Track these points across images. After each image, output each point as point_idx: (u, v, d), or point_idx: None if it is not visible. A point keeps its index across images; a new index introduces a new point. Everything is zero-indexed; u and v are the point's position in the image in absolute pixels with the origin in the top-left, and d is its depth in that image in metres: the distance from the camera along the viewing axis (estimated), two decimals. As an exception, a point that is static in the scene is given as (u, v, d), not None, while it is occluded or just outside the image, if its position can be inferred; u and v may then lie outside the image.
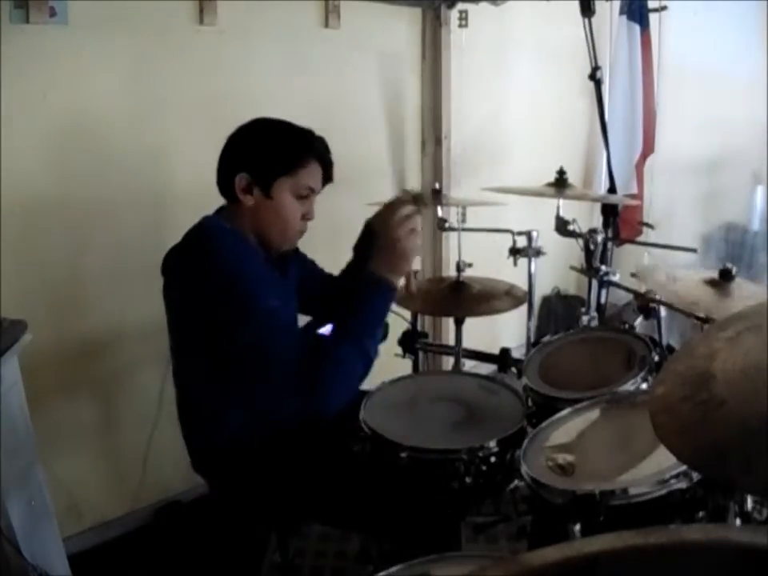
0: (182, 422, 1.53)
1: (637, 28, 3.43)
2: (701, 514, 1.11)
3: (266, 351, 1.29)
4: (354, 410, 1.52)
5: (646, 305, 1.76)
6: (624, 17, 3.43)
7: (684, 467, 1.06)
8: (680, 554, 0.45)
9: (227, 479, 1.52)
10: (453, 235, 2.22)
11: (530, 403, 1.55)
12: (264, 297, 1.33)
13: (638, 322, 1.85)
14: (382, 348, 2.19)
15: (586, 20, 1.93)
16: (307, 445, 1.52)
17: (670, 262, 2.48)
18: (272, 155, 1.43)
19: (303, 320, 1.75)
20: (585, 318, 2.12)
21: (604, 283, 2.12)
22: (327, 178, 1.52)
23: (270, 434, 1.46)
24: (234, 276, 1.32)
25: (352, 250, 1.72)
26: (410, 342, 2.25)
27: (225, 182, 1.45)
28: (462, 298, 2.02)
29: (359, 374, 1.34)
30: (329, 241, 2.77)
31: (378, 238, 1.41)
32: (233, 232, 1.44)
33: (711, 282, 1.52)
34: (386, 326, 2.21)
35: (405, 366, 2.27)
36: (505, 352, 2.17)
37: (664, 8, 3.51)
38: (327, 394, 1.30)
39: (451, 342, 2.28)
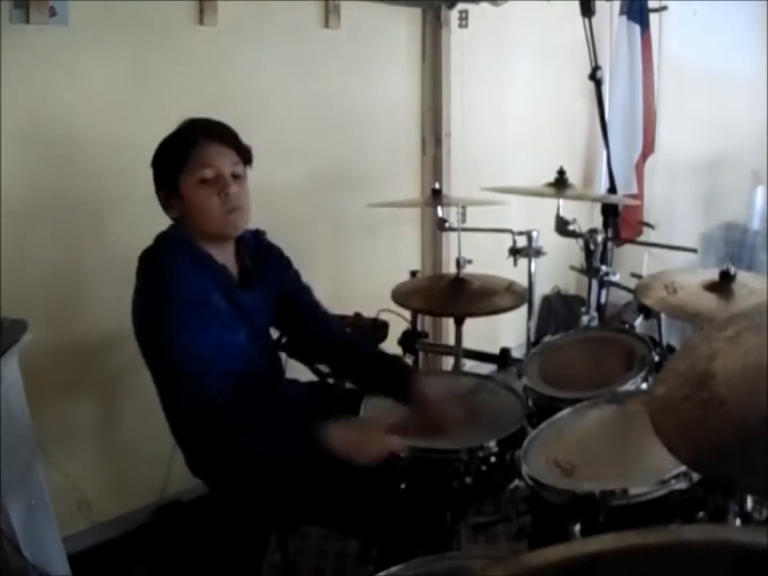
0: (171, 431, 1.54)
1: (637, 28, 3.43)
2: (701, 514, 1.11)
3: (174, 388, 1.39)
4: (354, 411, 1.52)
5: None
6: (624, 17, 3.43)
7: (684, 467, 1.06)
8: (680, 554, 0.45)
9: (226, 483, 1.52)
10: (453, 235, 2.22)
11: (529, 403, 1.55)
12: (187, 328, 1.35)
13: (638, 321, 1.85)
14: (382, 348, 2.20)
15: (586, 20, 1.94)
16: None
17: (669, 262, 2.48)
18: (162, 161, 1.46)
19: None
20: (585, 318, 2.13)
21: (604, 283, 2.12)
22: (235, 147, 1.47)
23: None
24: (163, 302, 1.37)
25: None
26: (410, 341, 2.25)
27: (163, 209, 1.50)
28: (463, 294, 2.01)
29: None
30: (329, 240, 2.78)
31: (359, 423, 1.44)
32: (184, 242, 1.45)
33: (712, 287, 1.52)
34: (386, 325, 2.22)
35: (405, 366, 2.27)
36: (505, 352, 2.16)
37: (664, 8, 3.51)
38: (207, 452, 1.40)
39: (451, 341, 2.28)
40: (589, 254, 2.07)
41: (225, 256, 1.50)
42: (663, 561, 0.45)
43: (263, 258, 1.60)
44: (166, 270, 1.39)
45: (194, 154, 1.42)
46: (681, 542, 0.45)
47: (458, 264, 2.06)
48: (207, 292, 1.41)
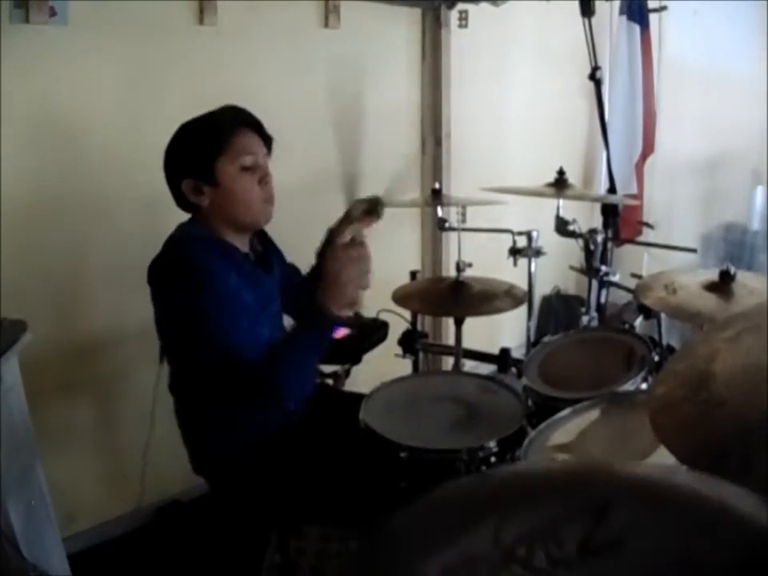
0: (180, 426, 1.53)
1: (637, 28, 3.43)
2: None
3: (213, 371, 1.31)
4: (354, 412, 1.52)
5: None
6: (624, 17, 3.43)
7: (684, 467, 1.06)
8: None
9: (228, 481, 1.52)
10: (453, 235, 2.22)
11: (529, 403, 1.55)
12: (219, 314, 1.31)
13: (638, 322, 1.85)
14: (382, 348, 2.21)
15: (586, 20, 1.93)
16: (307, 445, 1.52)
17: (669, 262, 2.48)
18: (196, 146, 1.42)
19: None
20: (585, 318, 2.13)
21: (604, 283, 2.12)
22: (265, 138, 1.48)
23: (262, 435, 1.47)
24: (193, 293, 1.32)
25: (315, 255, 1.71)
26: (410, 342, 2.25)
27: (178, 197, 1.46)
28: (462, 297, 2.01)
29: (256, 403, 1.33)
30: (329, 241, 2.78)
31: (322, 267, 1.34)
32: (203, 238, 1.43)
33: (712, 287, 1.51)
34: (386, 325, 2.22)
35: (405, 366, 2.27)
36: (505, 352, 2.17)
37: (664, 8, 3.51)
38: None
39: (451, 342, 2.28)
40: (589, 254, 2.07)
41: (244, 246, 1.51)
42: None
43: (264, 242, 1.61)
44: (199, 265, 1.36)
45: (236, 141, 1.41)
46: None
47: (458, 267, 2.06)
48: (238, 287, 1.40)
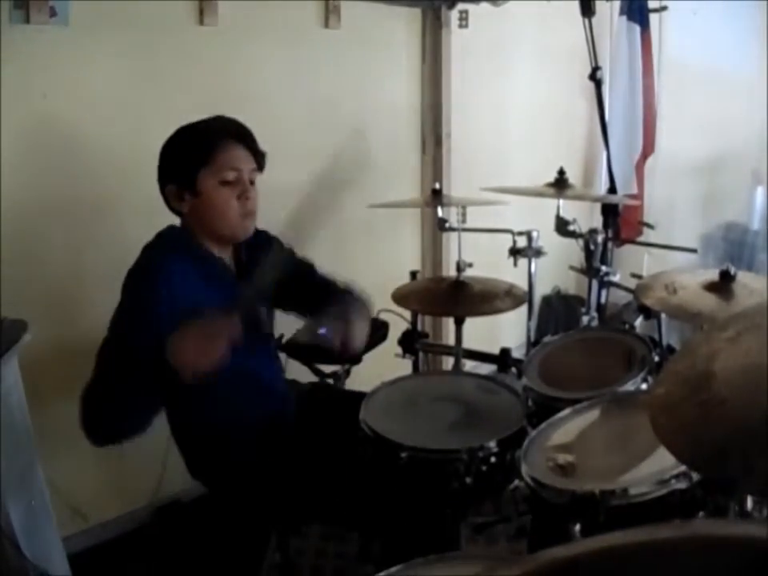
0: (172, 433, 1.54)
1: (637, 28, 3.43)
2: (701, 514, 1.11)
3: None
4: (354, 411, 1.52)
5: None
6: (624, 17, 3.44)
7: (684, 467, 1.06)
8: (658, 551, 0.45)
9: (226, 483, 1.52)
10: (453, 235, 2.22)
11: (529, 403, 1.55)
12: (143, 326, 1.32)
13: (638, 322, 1.85)
14: (382, 348, 2.21)
15: (586, 20, 1.93)
16: (307, 445, 1.52)
17: (669, 263, 2.48)
18: (181, 154, 1.43)
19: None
20: (585, 318, 2.13)
21: (604, 283, 2.12)
22: (255, 153, 1.48)
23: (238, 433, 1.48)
24: (133, 297, 1.39)
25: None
26: (410, 342, 2.25)
27: (166, 201, 1.47)
28: (462, 297, 2.01)
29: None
30: (330, 241, 2.78)
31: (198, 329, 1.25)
32: (179, 241, 1.45)
33: (712, 287, 1.52)
34: (386, 325, 2.22)
35: (405, 366, 2.27)
36: (505, 352, 2.16)
37: (664, 8, 3.51)
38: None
39: (451, 342, 2.28)
40: (589, 254, 2.07)
41: (224, 253, 1.52)
42: (642, 559, 0.45)
43: (255, 247, 1.59)
44: (151, 270, 1.38)
45: (220, 154, 1.41)
46: (658, 540, 0.45)
47: (458, 267, 2.06)
48: (197, 293, 1.39)
